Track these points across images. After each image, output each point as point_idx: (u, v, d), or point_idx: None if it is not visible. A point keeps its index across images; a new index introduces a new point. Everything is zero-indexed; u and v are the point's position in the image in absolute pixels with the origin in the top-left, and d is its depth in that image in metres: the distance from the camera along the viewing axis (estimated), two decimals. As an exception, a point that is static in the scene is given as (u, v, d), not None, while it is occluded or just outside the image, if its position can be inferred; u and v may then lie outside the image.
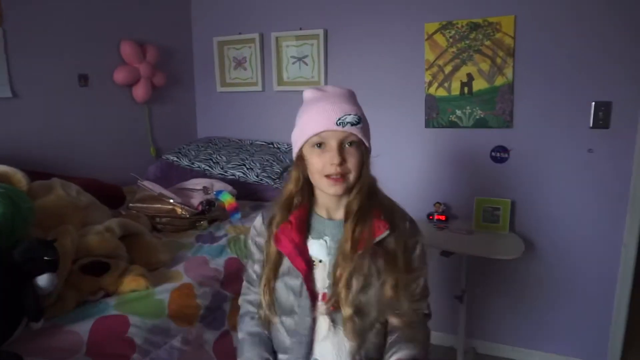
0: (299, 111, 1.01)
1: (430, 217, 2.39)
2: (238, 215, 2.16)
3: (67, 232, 1.39)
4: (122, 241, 1.58)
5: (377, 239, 0.95)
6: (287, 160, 2.57)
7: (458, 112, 2.37)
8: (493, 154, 2.35)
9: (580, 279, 2.28)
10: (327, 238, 1.00)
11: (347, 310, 0.94)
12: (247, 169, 2.49)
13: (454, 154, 2.44)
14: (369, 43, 2.55)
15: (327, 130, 0.93)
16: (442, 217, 2.38)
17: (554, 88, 2.18)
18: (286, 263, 1.00)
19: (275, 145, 2.76)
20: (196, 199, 2.12)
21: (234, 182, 2.42)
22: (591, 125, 2.14)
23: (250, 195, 2.50)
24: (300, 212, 1.01)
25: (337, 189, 0.95)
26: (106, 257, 1.48)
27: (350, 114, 0.93)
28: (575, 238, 2.26)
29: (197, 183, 2.30)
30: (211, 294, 1.64)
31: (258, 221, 1.11)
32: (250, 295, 1.15)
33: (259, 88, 2.90)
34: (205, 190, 2.21)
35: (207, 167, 2.56)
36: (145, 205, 2.04)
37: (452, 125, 2.40)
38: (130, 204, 2.06)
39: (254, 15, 2.84)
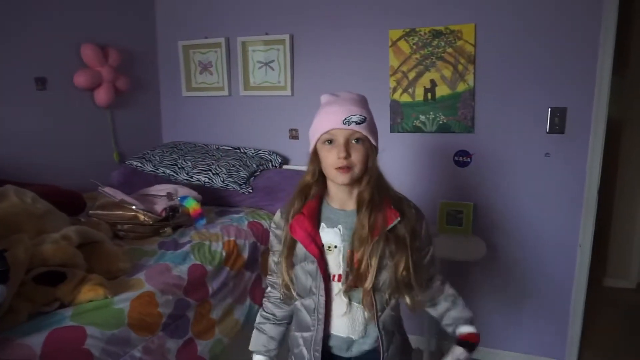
0: (316, 113, 1.15)
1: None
2: (203, 221, 2.12)
3: (20, 241, 1.34)
4: (81, 249, 1.53)
5: (390, 226, 1.08)
6: (254, 165, 2.56)
7: (422, 118, 2.42)
8: (456, 158, 2.41)
9: (539, 279, 2.36)
10: (340, 226, 1.12)
11: (367, 286, 1.06)
12: (213, 174, 2.46)
13: (418, 158, 2.49)
14: (334, 49, 2.57)
15: (335, 129, 1.07)
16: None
17: (512, 94, 2.26)
18: (302, 250, 1.12)
19: (242, 150, 2.74)
20: (159, 205, 2.08)
21: (199, 188, 2.39)
22: (548, 130, 2.22)
23: (216, 201, 2.47)
24: (312, 204, 1.14)
25: (345, 178, 1.07)
26: (62, 266, 1.42)
27: (355, 114, 1.06)
28: (533, 239, 2.34)
29: (161, 189, 2.25)
30: (174, 301, 1.61)
31: (277, 216, 1.24)
32: (272, 278, 1.29)
33: (225, 93, 2.88)
34: (169, 196, 2.16)
35: (172, 173, 2.52)
36: (106, 212, 1.98)
37: (416, 130, 2.45)
38: (91, 211, 2.00)
39: (220, 20, 2.82)
